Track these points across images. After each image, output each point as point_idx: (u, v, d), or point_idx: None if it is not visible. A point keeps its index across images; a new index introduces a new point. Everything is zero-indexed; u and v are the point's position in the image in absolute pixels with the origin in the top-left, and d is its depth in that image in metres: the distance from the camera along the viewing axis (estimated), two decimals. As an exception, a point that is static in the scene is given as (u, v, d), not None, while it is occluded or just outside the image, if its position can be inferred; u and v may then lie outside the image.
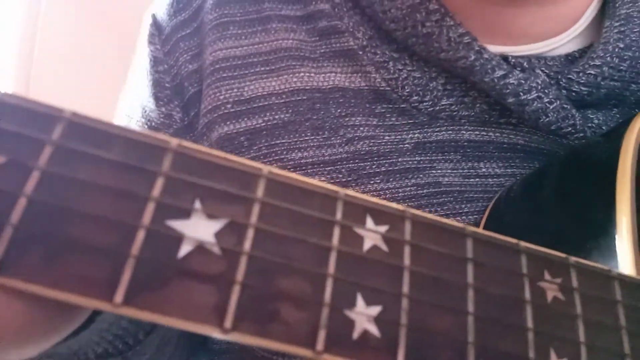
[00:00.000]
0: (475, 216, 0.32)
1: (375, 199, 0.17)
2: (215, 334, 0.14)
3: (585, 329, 0.17)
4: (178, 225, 0.15)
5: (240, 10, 0.35)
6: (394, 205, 0.17)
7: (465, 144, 0.33)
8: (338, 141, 0.33)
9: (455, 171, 0.32)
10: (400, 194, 0.32)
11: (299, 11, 0.35)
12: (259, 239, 0.15)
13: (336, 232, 0.16)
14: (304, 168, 0.32)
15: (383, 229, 0.16)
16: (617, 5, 0.32)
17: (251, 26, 0.35)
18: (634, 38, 0.31)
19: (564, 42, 0.32)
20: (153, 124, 0.36)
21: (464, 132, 0.33)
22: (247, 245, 0.15)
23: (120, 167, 0.15)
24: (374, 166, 0.32)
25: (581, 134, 0.31)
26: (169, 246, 0.14)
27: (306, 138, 0.33)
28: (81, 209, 0.14)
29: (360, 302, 0.15)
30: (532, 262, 0.17)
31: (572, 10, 0.32)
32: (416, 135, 0.33)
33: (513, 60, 0.31)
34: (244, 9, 0.35)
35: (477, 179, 0.32)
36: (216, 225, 0.15)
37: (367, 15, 0.33)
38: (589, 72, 0.30)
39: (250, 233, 0.15)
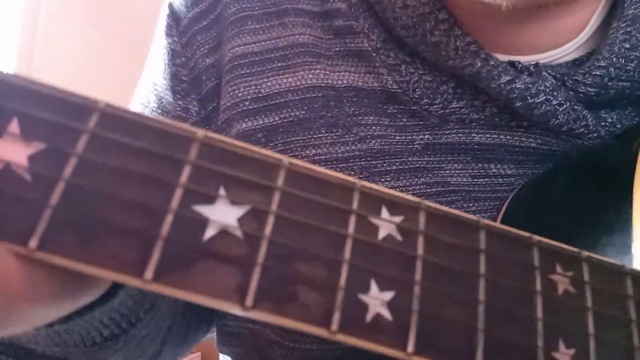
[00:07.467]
0: (482, 214, 0.32)
1: (390, 191, 0.17)
2: (237, 310, 0.15)
3: (594, 321, 0.17)
4: (204, 210, 0.15)
5: (258, 4, 0.36)
6: (409, 197, 0.17)
7: (476, 146, 0.33)
8: (351, 139, 0.33)
9: (464, 171, 0.33)
10: (409, 192, 0.33)
11: (315, 7, 0.36)
12: (279, 225, 0.16)
13: (352, 220, 0.17)
14: (317, 165, 0.33)
15: (398, 219, 0.17)
16: (625, 5, 0.32)
17: (269, 20, 0.35)
18: None
19: (570, 51, 0.33)
20: (169, 115, 0.37)
21: (474, 134, 0.33)
22: (268, 230, 0.16)
23: (150, 155, 0.16)
24: (385, 164, 0.33)
25: (595, 134, 0.31)
26: (195, 229, 0.15)
27: (320, 135, 0.33)
28: (114, 194, 0.15)
29: (374, 287, 0.16)
30: (544, 255, 0.17)
31: (577, 21, 0.32)
32: (426, 136, 0.33)
33: (520, 65, 0.32)
34: (262, 2, 0.36)
35: (486, 179, 0.33)
36: (239, 211, 0.16)
37: (380, 18, 0.34)
38: (594, 73, 0.31)
39: (270, 219, 0.16)
